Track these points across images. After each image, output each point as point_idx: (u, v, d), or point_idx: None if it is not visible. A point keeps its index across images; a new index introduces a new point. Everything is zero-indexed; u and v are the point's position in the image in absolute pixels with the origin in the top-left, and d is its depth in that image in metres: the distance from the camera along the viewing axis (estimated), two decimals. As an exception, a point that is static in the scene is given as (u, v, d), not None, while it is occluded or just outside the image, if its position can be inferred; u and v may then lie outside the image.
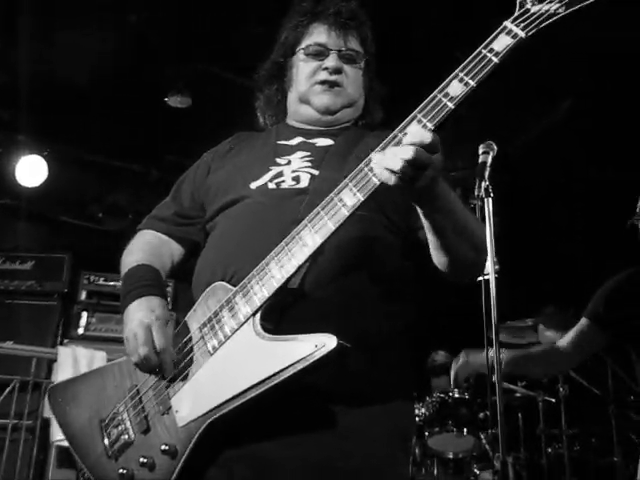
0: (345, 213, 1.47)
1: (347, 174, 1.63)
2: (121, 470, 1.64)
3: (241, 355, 1.53)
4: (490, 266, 2.79)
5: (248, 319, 1.54)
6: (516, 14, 1.50)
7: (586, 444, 5.26)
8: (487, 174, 2.68)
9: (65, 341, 5.22)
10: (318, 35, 1.98)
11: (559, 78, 4.39)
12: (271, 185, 1.79)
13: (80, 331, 5.24)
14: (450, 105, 1.45)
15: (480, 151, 2.74)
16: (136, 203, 6.38)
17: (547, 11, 1.47)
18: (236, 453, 1.58)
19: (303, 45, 2.00)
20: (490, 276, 2.77)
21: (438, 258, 1.68)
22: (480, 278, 2.80)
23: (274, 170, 1.82)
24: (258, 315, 1.54)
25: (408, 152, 1.35)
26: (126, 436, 1.68)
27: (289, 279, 1.52)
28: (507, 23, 1.50)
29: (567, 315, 4.95)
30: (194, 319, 1.67)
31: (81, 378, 1.90)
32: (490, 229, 2.76)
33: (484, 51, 1.47)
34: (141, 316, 1.67)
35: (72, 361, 4.89)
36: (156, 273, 1.85)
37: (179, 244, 2.00)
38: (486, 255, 1.81)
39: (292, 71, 2.02)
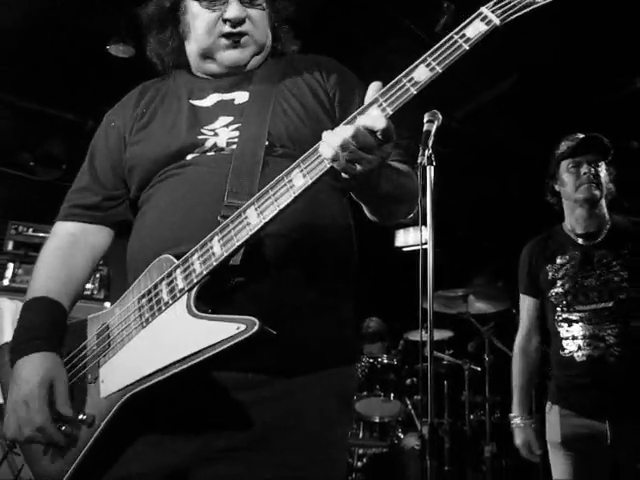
0: (292, 195, 1.42)
1: (270, 130, 1.64)
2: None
3: (170, 331, 1.49)
4: (429, 236, 2.83)
5: (182, 294, 1.50)
6: (494, 0, 1.43)
7: (507, 411, 5.43)
8: (431, 143, 2.70)
9: (-11, 292, 5.05)
10: None
11: (505, 54, 4.43)
12: (209, 154, 1.69)
13: (5, 282, 5.07)
14: (413, 90, 1.38)
15: (425, 119, 2.75)
16: (70, 153, 6.19)
17: (524, 0, 1.41)
18: (156, 435, 1.55)
19: None
20: (428, 246, 2.81)
21: (371, 215, 1.69)
22: (417, 248, 2.84)
23: (208, 142, 1.70)
24: (193, 291, 1.49)
25: (351, 132, 1.32)
26: None
27: (229, 257, 1.47)
28: (484, 9, 1.43)
29: (496, 287, 5.09)
30: (137, 289, 1.61)
31: None
32: (431, 198, 2.79)
33: (456, 37, 1.41)
34: (35, 383, 1.55)
35: (-4, 312, 4.76)
36: (54, 312, 1.71)
37: (109, 229, 1.86)
38: (415, 203, 1.76)
39: (186, 17, 1.80)
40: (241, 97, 1.77)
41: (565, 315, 2.97)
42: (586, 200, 2.96)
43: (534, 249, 3.16)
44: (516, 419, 3.20)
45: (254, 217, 1.46)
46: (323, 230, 1.65)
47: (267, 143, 1.66)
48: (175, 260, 1.55)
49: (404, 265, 2.99)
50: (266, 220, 1.45)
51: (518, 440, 3.15)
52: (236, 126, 1.71)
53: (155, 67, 1.95)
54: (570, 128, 3.17)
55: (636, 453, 2.80)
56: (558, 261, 3.04)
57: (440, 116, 2.76)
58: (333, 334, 1.64)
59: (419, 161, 2.61)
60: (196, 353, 1.41)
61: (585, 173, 2.95)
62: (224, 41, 1.76)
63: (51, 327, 1.68)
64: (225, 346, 1.38)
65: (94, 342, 1.63)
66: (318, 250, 1.64)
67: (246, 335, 1.36)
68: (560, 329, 2.99)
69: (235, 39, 1.76)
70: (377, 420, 5.06)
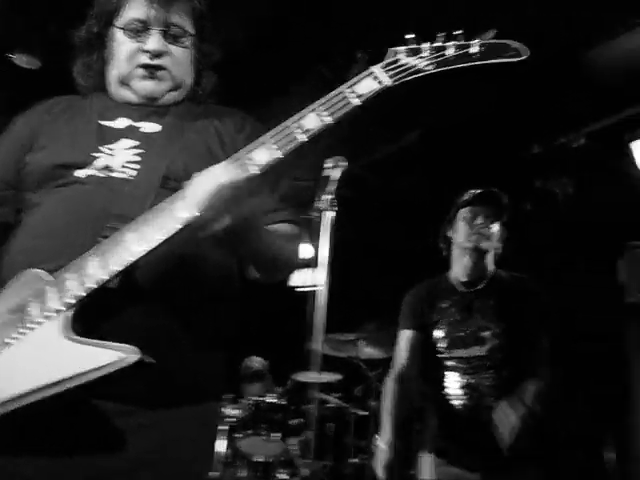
0: (177, 226, 1.44)
1: (169, 164, 1.66)
2: None
3: (39, 352, 1.43)
4: (323, 279, 2.87)
5: (56, 315, 1.45)
6: (387, 61, 1.51)
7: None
8: (334, 188, 2.76)
9: None
10: (136, 8, 1.79)
11: (410, 110, 4.59)
12: (99, 174, 1.67)
13: None
14: (303, 137, 1.45)
15: (327, 165, 2.82)
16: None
17: (416, 65, 1.50)
18: (23, 460, 1.49)
19: (120, 20, 1.80)
20: (320, 288, 2.85)
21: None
22: (308, 289, 2.87)
23: (100, 160, 1.68)
24: (68, 313, 1.44)
25: (212, 188, 1.39)
26: None
27: (107, 281, 1.45)
28: (375, 69, 1.50)
29: (387, 333, 5.17)
30: (2, 303, 1.53)
31: None
32: (330, 241, 2.85)
33: (347, 91, 1.48)
34: None
35: None
36: None
37: None
38: (287, 270, 1.80)
39: (112, 44, 1.83)
40: (151, 127, 1.79)
41: (443, 361, 3.05)
42: (474, 249, 3.08)
43: (419, 292, 3.24)
44: (381, 443, 3.07)
45: (135, 243, 1.45)
46: (202, 266, 1.65)
47: (163, 175, 1.66)
48: (45, 276, 1.50)
49: (297, 305, 3.01)
50: (147, 248, 1.44)
51: (382, 462, 2.99)
52: (137, 152, 1.71)
53: (60, 83, 1.94)
54: (468, 186, 3.31)
55: None
56: (440, 305, 3.13)
57: (344, 163, 2.84)
58: (201, 370, 1.64)
59: (316, 205, 2.67)
60: (69, 378, 1.37)
61: (478, 224, 3.07)
62: (141, 71, 1.80)
63: None
64: (103, 373, 1.35)
65: None
66: (195, 284, 1.63)
67: (124, 364, 1.34)
68: (438, 375, 3.06)
69: (152, 71, 1.79)
70: (260, 459, 5.00)
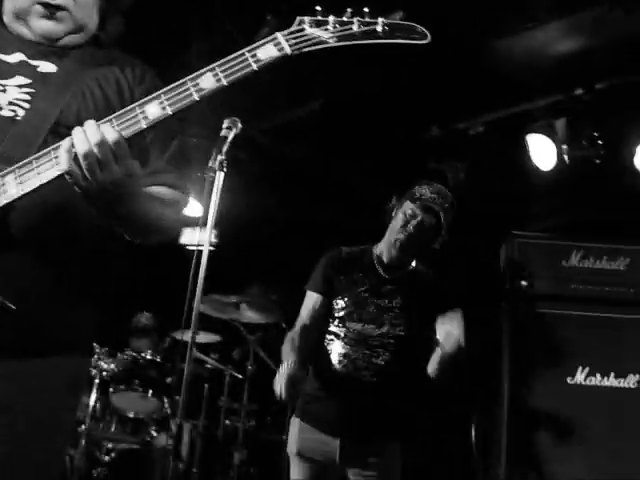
0: (56, 172, 1.41)
1: (63, 109, 1.60)
2: None
3: None
4: (206, 239, 2.85)
5: None
6: (291, 29, 1.52)
7: (262, 421, 5.58)
8: (225, 149, 2.72)
9: None
10: None
11: (315, 79, 4.59)
12: None
13: None
14: (196, 97, 1.44)
15: (224, 125, 2.77)
16: None
17: (319, 37, 1.50)
18: None
19: None
20: (204, 248, 2.82)
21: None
22: (194, 248, 2.84)
23: None
24: None
25: (83, 145, 1.36)
26: None
27: None
28: (279, 35, 1.51)
29: (270, 299, 5.20)
30: None
31: None
32: (215, 202, 2.81)
33: (247, 54, 1.48)
34: None
35: None
36: None
37: None
38: (164, 235, 1.77)
39: None
40: (47, 67, 1.71)
41: (334, 329, 3.10)
42: (405, 243, 3.10)
43: (337, 258, 3.24)
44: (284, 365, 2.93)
45: (13, 186, 1.41)
46: (82, 219, 1.60)
47: (54, 121, 1.60)
48: None
49: (184, 263, 2.97)
50: (24, 192, 1.40)
51: (282, 378, 2.83)
52: (29, 90, 1.63)
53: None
54: (363, 161, 3.33)
55: (359, 474, 2.98)
56: (352, 277, 3.16)
57: (240, 124, 2.80)
58: (71, 323, 1.62)
59: (210, 165, 2.64)
60: None
61: (416, 226, 3.08)
62: (39, 9, 1.70)
63: None
64: None
65: None
66: (72, 237, 1.60)
67: None
68: (325, 340, 3.11)
69: (51, 10, 1.70)
70: (131, 416, 4.95)
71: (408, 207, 3.10)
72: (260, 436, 5.58)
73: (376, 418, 3.01)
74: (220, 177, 2.77)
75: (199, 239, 2.90)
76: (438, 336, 2.97)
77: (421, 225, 3.06)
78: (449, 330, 2.94)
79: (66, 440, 1.77)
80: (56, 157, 1.40)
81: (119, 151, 1.39)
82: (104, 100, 1.72)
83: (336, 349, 3.06)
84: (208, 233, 2.83)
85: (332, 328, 3.11)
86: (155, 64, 1.94)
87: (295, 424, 3.13)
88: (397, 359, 3.03)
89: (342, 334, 3.07)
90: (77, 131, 1.39)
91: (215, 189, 2.79)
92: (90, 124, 1.40)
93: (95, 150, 1.36)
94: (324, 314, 3.15)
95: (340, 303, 3.12)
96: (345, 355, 3.02)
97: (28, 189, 1.40)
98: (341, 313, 3.10)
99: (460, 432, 5.19)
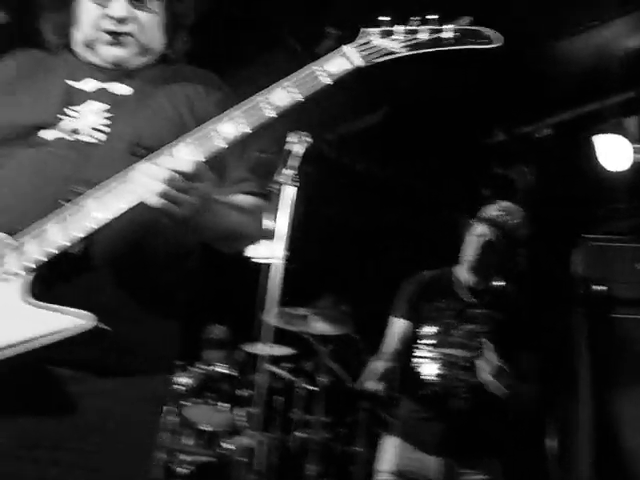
0: (133, 201, 1.43)
1: (139, 130, 1.64)
2: None
3: (0, 313, 1.42)
4: (280, 252, 2.87)
5: (15, 277, 1.44)
6: (359, 41, 1.53)
7: (335, 433, 5.56)
8: (297, 164, 2.75)
9: None
10: None
11: (376, 89, 4.59)
12: (67, 137, 1.65)
13: None
14: (270, 114, 1.46)
15: (291, 140, 2.80)
16: None
17: (387, 48, 1.51)
18: None
19: None
20: (275, 261, 2.84)
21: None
22: (264, 261, 2.87)
23: (68, 123, 1.66)
24: (28, 277, 1.44)
25: (163, 175, 1.38)
26: None
27: (67, 247, 1.44)
28: (347, 48, 1.52)
29: (340, 310, 5.19)
30: None
31: None
32: (289, 216, 2.84)
33: (317, 69, 1.49)
34: None
35: None
36: None
37: None
38: (248, 241, 1.81)
39: (78, 6, 1.80)
40: (120, 90, 1.76)
41: (425, 353, 3.09)
42: (473, 268, 3.08)
43: (418, 283, 3.24)
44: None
45: (96, 210, 1.44)
46: (157, 240, 1.64)
47: (132, 142, 1.64)
48: (6, 239, 1.48)
49: (251, 276, 3.00)
50: (109, 217, 1.43)
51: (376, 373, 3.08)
52: (106, 115, 1.69)
53: (30, 38, 1.90)
54: (430, 169, 3.31)
55: None
56: (436, 304, 3.15)
57: (309, 139, 2.82)
58: (155, 342, 1.65)
59: (277, 178, 2.67)
60: (26, 341, 1.37)
61: (485, 246, 3.05)
62: (105, 37, 1.76)
63: None
64: (58, 337, 1.36)
65: None
66: (153, 255, 1.63)
67: (81, 329, 1.35)
68: (417, 365, 3.10)
69: (116, 37, 1.76)
70: (206, 428, 5.02)
71: (477, 228, 3.08)
72: (333, 448, 5.56)
73: (476, 437, 3.00)
74: (289, 190, 2.79)
75: (269, 252, 2.93)
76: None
77: (491, 245, 3.03)
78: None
79: (150, 457, 1.79)
80: (132, 185, 1.44)
81: (191, 178, 1.41)
82: (177, 117, 1.75)
83: (428, 371, 3.06)
84: (278, 246, 2.85)
85: (423, 353, 3.11)
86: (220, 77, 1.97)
87: (392, 443, 3.11)
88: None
89: (433, 356, 3.06)
90: (148, 167, 1.42)
91: (284, 203, 2.81)
92: (163, 158, 1.43)
93: (167, 185, 1.39)
94: (412, 339, 3.16)
95: (427, 331, 3.12)
96: (438, 376, 3.01)
97: (111, 214, 1.43)
98: (430, 340, 3.09)
99: (537, 443, 5.07)
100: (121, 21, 1.75)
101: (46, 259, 1.44)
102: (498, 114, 5.39)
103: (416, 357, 3.12)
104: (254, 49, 4.74)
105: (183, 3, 1.89)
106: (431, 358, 3.07)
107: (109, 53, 1.78)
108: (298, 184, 2.77)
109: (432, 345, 3.08)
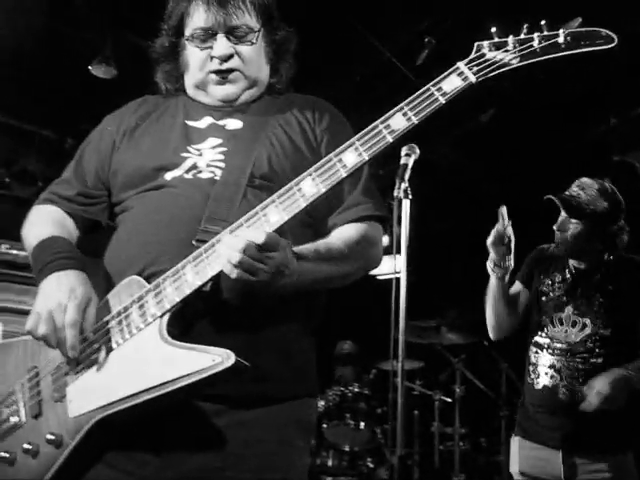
0: (267, 229, 1.45)
1: (255, 161, 1.68)
2: (2, 454, 1.59)
3: (141, 356, 1.48)
4: (402, 266, 2.86)
5: (154, 320, 1.50)
6: (471, 56, 1.49)
7: (476, 443, 5.46)
8: (407, 176, 2.74)
9: (-41, 309, 4.98)
10: (198, 17, 1.79)
11: (484, 93, 4.52)
12: (187, 176, 1.71)
13: (-23, 299, 5.01)
14: (389, 138, 1.44)
15: (402, 153, 2.79)
16: (47, 170, 6.14)
17: (501, 60, 1.47)
18: (124, 456, 1.54)
19: (187, 31, 1.82)
20: (402, 275, 2.83)
21: None
22: (391, 277, 2.87)
23: (188, 161, 1.73)
24: (166, 317, 1.49)
25: (234, 254, 1.40)
26: (16, 418, 1.62)
27: (202, 286, 1.48)
28: (461, 65, 1.49)
29: (468, 319, 5.12)
30: (104, 310, 1.59)
31: None
32: (405, 230, 2.83)
33: (433, 89, 1.46)
34: (60, 295, 1.53)
35: (-35, 329, 4.69)
36: (72, 246, 1.74)
37: (79, 223, 1.87)
38: (356, 269, 1.76)
39: (184, 53, 1.87)
40: (233, 124, 1.83)
41: (536, 338, 3.02)
42: (568, 252, 3.00)
43: (541, 253, 3.20)
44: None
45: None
46: None
47: (249, 174, 1.69)
48: (145, 283, 1.55)
49: (377, 293, 3.01)
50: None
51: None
52: (222, 149, 1.75)
53: (136, 90, 2.00)
54: (539, 170, 3.23)
55: None
56: (550, 276, 3.08)
57: (418, 150, 2.81)
58: (295, 369, 1.67)
59: (395, 194, 2.66)
60: (169, 382, 1.42)
61: (573, 234, 2.93)
62: (213, 77, 1.82)
63: (77, 254, 1.69)
64: (199, 377, 1.39)
65: (59, 359, 1.60)
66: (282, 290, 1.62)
67: (221, 368, 1.37)
68: (530, 352, 3.03)
69: (223, 75, 1.82)
70: (347, 449, 5.05)
71: (561, 216, 2.99)
72: (476, 459, 5.46)
73: (600, 428, 2.81)
74: (405, 204, 2.78)
75: (392, 267, 2.92)
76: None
77: (576, 234, 2.92)
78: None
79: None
80: (264, 215, 1.46)
81: (267, 247, 1.41)
82: (290, 143, 1.79)
83: (542, 361, 2.96)
84: (402, 261, 2.84)
85: (536, 339, 3.02)
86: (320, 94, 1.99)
87: (515, 442, 3.04)
88: (605, 362, 2.85)
89: (546, 345, 2.96)
90: (227, 239, 1.44)
91: (403, 217, 2.80)
92: (239, 232, 1.45)
93: (245, 257, 1.39)
94: (524, 305, 3.15)
95: (540, 305, 3.05)
96: (552, 367, 2.91)
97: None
98: (542, 319, 3.01)
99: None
100: (225, 59, 1.79)
101: (181, 300, 1.48)
102: (608, 100, 5.17)
103: (530, 344, 3.04)
104: (350, 62, 4.77)
105: (281, 30, 1.92)
106: (543, 346, 2.98)
107: (219, 92, 1.83)
108: (410, 197, 2.75)
109: (543, 325, 3.00)
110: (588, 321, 2.91)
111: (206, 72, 1.82)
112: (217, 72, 1.81)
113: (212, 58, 1.80)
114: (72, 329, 1.50)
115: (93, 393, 1.52)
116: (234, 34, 1.79)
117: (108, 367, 1.53)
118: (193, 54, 1.83)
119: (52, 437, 1.53)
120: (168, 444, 1.54)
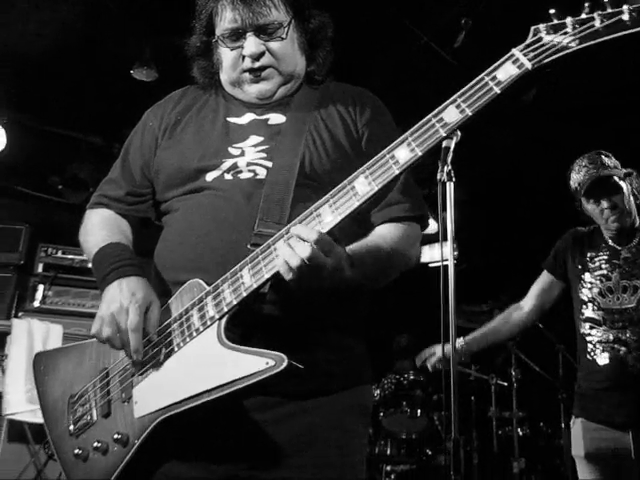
0: (321, 230, 1.43)
1: (300, 160, 1.67)
2: (77, 450, 1.66)
3: (200, 358, 1.53)
4: (449, 253, 2.85)
5: (213, 323, 1.52)
6: (528, 41, 1.39)
7: (535, 426, 5.41)
8: (450, 159, 2.72)
9: (20, 314, 5.13)
10: (226, 17, 1.78)
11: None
12: (227, 177, 1.72)
13: (36, 304, 5.15)
14: (442, 132, 1.40)
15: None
16: (97, 176, 6.27)
17: (559, 43, 1.36)
18: (186, 454, 1.59)
19: (217, 31, 1.82)
20: (449, 262, 2.82)
21: None
22: (439, 264, 2.86)
23: (228, 161, 1.74)
24: (223, 320, 1.52)
25: (293, 259, 1.39)
26: (89, 417, 1.69)
27: (259, 288, 1.50)
28: (515, 51, 1.39)
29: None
30: (167, 313, 1.63)
31: (65, 350, 1.86)
32: (450, 214, 2.81)
33: (487, 78, 1.39)
34: (122, 299, 1.58)
35: (27, 334, 4.82)
36: (130, 251, 1.78)
37: (132, 222, 1.92)
38: (397, 271, 1.76)
39: (217, 52, 1.87)
40: (276, 119, 1.83)
41: (588, 314, 2.98)
42: (616, 230, 2.99)
43: (572, 238, 3.21)
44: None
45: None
46: None
47: (293, 171, 1.69)
48: (206, 285, 1.58)
49: (430, 282, 3.00)
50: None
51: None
52: (264, 147, 1.75)
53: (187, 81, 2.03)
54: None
55: None
56: (589, 253, 3.08)
57: (459, 132, 2.80)
58: (348, 363, 1.70)
59: (438, 178, 2.65)
60: (226, 384, 1.46)
61: (606, 208, 2.96)
62: (247, 75, 1.83)
63: (136, 259, 1.73)
64: (254, 380, 1.42)
65: (126, 361, 1.66)
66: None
67: (275, 371, 1.40)
68: (583, 330, 3.00)
69: (256, 73, 1.82)
70: (404, 437, 5.06)
71: (586, 199, 3.04)
72: (536, 443, 5.40)
73: None
74: (450, 188, 2.77)
75: (441, 255, 2.91)
76: None
77: (608, 202, 2.96)
78: None
79: (362, 468, 1.80)
80: (318, 215, 1.47)
81: (323, 247, 1.41)
82: (332, 140, 1.78)
83: (596, 337, 2.92)
84: (450, 247, 2.83)
85: (588, 314, 2.98)
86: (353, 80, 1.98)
87: (578, 425, 2.99)
88: None
89: (602, 318, 2.92)
90: (283, 246, 1.44)
91: (448, 201, 2.79)
92: (291, 237, 1.44)
93: (304, 262, 1.39)
94: (549, 293, 3.21)
95: (584, 283, 3.02)
96: (616, 340, 2.87)
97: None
98: (589, 294, 2.98)
99: None
100: (257, 57, 1.78)
101: (238, 303, 1.50)
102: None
103: (582, 321, 3.01)
104: (383, 45, 4.73)
105: (314, 18, 1.89)
106: (595, 319, 2.95)
107: (254, 90, 1.83)
108: (454, 180, 2.73)
109: (592, 299, 2.97)
110: (639, 282, 2.87)
111: (239, 71, 1.83)
112: (250, 70, 1.81)
113: (244, 57, 1.80)
114: (134, 332, 1.55)
115: (156, 394, 1.57)
116: (263, 31, 1.78)
117: (170, 369, 1.58)
118: (225, 54, 1.83)
119: (119, 436, 1.59)
120: (231, 440, 1.59)
